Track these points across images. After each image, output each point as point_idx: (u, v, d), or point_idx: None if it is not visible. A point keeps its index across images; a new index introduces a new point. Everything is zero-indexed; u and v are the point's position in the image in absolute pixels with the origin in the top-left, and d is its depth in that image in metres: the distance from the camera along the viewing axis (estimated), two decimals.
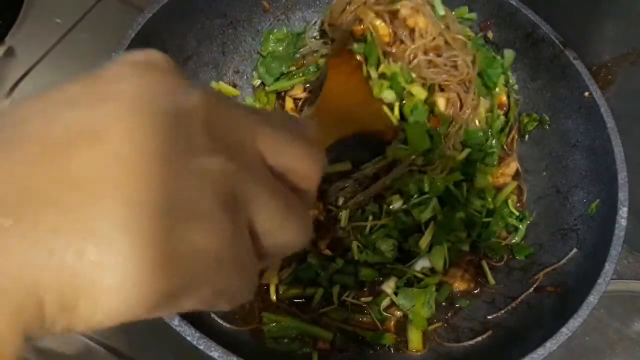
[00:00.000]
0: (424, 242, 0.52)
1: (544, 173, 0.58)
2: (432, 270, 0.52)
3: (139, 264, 0.18)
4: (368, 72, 0.53)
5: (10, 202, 0.17)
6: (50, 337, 0.18)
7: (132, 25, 0.50)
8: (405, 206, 0.53)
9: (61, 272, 0.17)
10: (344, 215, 0.53)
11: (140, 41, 0.50)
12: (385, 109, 0.52)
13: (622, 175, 0.48)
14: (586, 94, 0.52)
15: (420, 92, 0.53)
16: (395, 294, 0.52)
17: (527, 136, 0.59)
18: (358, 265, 0.52)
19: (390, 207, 0.53)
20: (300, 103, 0.59)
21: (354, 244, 0.52)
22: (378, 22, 0.54)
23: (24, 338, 0.17)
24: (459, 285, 0.53)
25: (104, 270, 0.17)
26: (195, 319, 0.41)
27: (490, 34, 0.60)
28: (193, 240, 0.19)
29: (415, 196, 0.53)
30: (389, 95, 0.53)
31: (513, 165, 0.58)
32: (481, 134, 0.56)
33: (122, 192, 0.18)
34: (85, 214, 0.17)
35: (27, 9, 0.68)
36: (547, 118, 0.58)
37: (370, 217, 0.53)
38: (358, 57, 0.53)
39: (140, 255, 0.18)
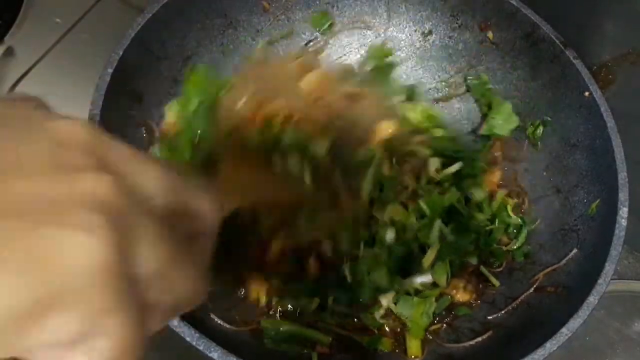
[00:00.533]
0: (427, 261, 0.51)
1: (544, 173, 0.57)
2: (434, 284, 0.52)
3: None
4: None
5: None
6: None
7: (131, 25, 0.50)
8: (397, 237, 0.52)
9: None
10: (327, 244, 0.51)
11: (139, 41, 0.50)
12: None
13: (622, 175, 0.48)
14: (586, 93, 0.52)
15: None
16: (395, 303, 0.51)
17: (539, 143, 0.59)
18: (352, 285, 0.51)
19: (385, 239, 0.52)
20: None
21: (346, 270, 0.51)
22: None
23: None
24: (461, 297, 0.53)
25: None
26: (194, 319, 0.41)
27: (490, 34, 0.60)
28: (62, 248, 0.18)
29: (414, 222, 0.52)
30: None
31: (497, 174, 0.59)
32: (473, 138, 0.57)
33: None
34: None
35: (26, 9, 0.67)
36: (548, 118, 0.57)
37: (362, 246, 0.51)
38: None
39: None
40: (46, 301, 0.17)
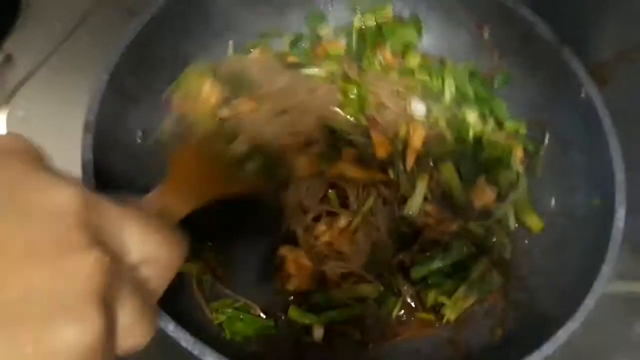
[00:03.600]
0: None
1: (541, 173, 0.57)
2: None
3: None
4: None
5: None
6: None
7: (126, 31, 0.51)
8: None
9: None
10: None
11: (135, 46, 0.51)
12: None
13: (620, 176, 0.48)
14: (583, 93, 0.52)
15: None
16: None
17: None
18: None
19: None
20: None
21: None
22: None
23: None
24: None
25: None
26: (190, 324, 0.41)
27: (486, 33, 0.59)
28: (63, 336, 0.20)
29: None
30: None
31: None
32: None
33: None
34: None
35: (24, 16, 0.68)
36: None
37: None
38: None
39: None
40: None
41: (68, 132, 0.61)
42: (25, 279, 0.20)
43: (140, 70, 0.53)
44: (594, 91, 0.51)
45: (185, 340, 0.40)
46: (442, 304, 0.52)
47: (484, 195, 0.55)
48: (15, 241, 0.20)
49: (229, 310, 0.49)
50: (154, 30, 0.52)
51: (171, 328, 0.40)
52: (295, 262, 0.52)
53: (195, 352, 0.40)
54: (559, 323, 0.43)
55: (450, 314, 0.51)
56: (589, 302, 0.43)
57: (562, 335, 0.42)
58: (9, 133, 0.25)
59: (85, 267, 0.21)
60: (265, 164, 0.49)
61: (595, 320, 0.53)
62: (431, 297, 0.51)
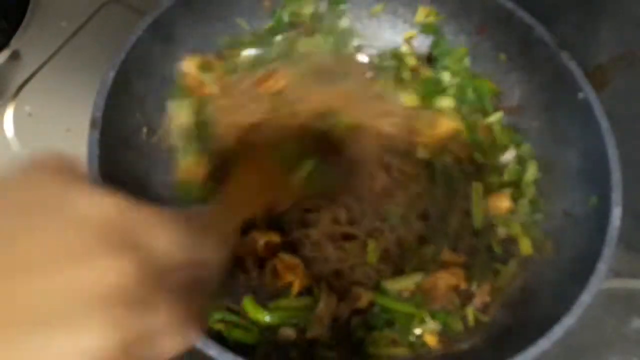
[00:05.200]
0: None
1: (539, 174, 0.58)
2: None
3: None
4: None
5: None
6: None
7: (133, 29, 0.51)
8: None
9: None
10: None
11: (141, 44, 0.51)
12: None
13: (616, 176, 0.49)
14: (581, 95, 0.53)
15: None
16: None
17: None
18: None
19: None
20: None
21: None
22: None
23: None
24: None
25: None
26: None
27: (486, 37, 0.60)
28: (88, 344, 0.20)
29: None
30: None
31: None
32: None
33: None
34: None
35: (32, 13, 0.69)
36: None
37: None
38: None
39: None
40: None
41: (74, 128, 0.62)
42: (48, 283, 0.20)
43: (147, 68, 0.53)
44: (592, 93, 0.52)
45: None
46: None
47: (502, 203, 0.56)
48: (44, 248, 0.20)
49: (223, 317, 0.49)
50: (161, 28, 0.53)
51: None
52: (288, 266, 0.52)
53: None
54: (555, 319, 0.43)
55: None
56: (586, 299, 0.44)
57: (558, 331, 0.43)
58: (46, 151, 0.25)
59: (111, 273, 0.21)
60: (316, 172, 0.50)
61: (592, 316, 0.54)
62: None
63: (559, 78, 0.55)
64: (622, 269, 0.57)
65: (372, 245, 0.54)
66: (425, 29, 0.63)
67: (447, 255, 0.54)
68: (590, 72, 0.54)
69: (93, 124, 0.47)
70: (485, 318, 0.51)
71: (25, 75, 0.65)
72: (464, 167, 0.59)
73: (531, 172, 0.57)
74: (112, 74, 0.49)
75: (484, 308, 0.52)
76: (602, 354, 0.56)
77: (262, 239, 0.52)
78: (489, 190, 0.58)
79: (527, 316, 0.49)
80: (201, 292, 0.27)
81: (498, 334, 0.49)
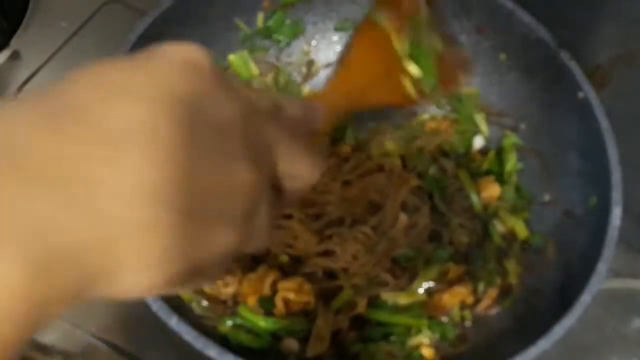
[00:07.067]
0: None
1: (539, 174, 0.58)
2: None
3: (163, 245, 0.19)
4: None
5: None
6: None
7: (133, 29, 0.51)
8: None
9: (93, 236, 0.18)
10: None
11: (141, 44, 0.51)
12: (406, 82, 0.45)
13: (616, 176, 0.49)
14: (581, 95, 0.53)
15: None
16: None
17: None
18: None
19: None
20: None
21: None
22: None
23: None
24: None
25: (128, 250, 0.18)
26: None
27: (486, 37, 0.60)
28: (215, 239, 0.21)
29: None
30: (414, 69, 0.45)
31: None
32: None
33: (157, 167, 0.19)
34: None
35: (32, 13, 0.69)
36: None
37: None
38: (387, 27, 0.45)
39: (166, 234, 0.19)
40: (202, 269, 0.22)
41: None
42: (191, 172, 0.20)
43: None
44: (592, 93, 0.52)
45: (188, 333, 0.41)
46: None
47: (491, 189, 0.57)
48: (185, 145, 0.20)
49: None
50: (161, 29, 0.53)
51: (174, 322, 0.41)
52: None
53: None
54: (555, 319, 0.43)
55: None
56: (586, 299, 0.44)
57: (558, 331, 0.43)
58: (191, 47, 0.25)
59: (242, 179, 0.22)
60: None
61: (592, 316, 0.54)
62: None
63: (559, 78, 0.55)
64: (622, 269, 0.57)
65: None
66: None
67: (452, 271, 0.54)
68: (590, 72, 0.54)
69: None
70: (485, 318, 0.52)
71: (25, 75, 0.65)
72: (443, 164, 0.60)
73: (511, 162, 0.58)
74: None
75: (486, 310, 0.52)
76: (602, 354, 0.56)
77: (269, 278, 0.51)
78: (475, 178, 0.59)
79: (527, 316, 0.49)
80: (290, 202, 0.29)
81: (498, 334, 0.49)
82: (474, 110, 0.61)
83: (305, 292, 0.50)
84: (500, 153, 0.60)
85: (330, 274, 0.53)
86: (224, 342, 0.46)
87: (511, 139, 0.59)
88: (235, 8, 0.60)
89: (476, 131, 0.61)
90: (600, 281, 0.45)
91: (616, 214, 0.47)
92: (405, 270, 0.54)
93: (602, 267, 0.45)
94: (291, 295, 0.49)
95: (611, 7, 0.55)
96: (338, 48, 0.65)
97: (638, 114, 0.58)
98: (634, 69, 0.56)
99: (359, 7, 0.62)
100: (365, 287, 0.52)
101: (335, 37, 0.65)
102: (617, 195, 0.48)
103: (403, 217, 0.56)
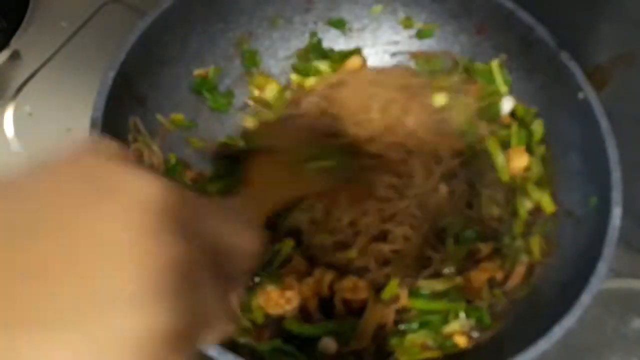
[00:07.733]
0: None
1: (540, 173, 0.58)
2: None
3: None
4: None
5: None
6: None
7: (133, 29, 0.51)
8: None
9: None
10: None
11: (141, 45, 0.51)
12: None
13: (616, 176, 0.49)
14: (581, 95, 0.53)
15: None
16: None
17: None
18: None
19: None
20: None
21: None
22: None
23: None
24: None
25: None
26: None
27: (486, 37, 0.60)
28: (122, 324, 0.19)
29: None
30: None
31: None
32: None
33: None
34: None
35: (32, 13, 0.69)
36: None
37: None
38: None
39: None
40: None
41: (74, 128, 0.62)
42: (92, 266, 0.19)
43: (147, 68, 0.53)
44: (592, 93, 0.52)
45: None
46: None
47: (520, 159, 0.57)
48: (88, 232, 0.20)
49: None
50: (162, 28, 0.53)
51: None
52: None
53: None
54: (555, 319, 0.43)
55: None
56: (586, 299, 0.44)
57: (558, 331, 0.43)
58: (101, 141, 0.24)
59: (161, 253, 0.20)
60: (335, 164, 0.51)
61: (592, 316, 0.54)
62: None
63: (559, 78, 0.55)
64: (622, 269, 0.57)
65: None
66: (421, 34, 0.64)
67: (481, 250, 0.55)
68: (590, 72, 0.54)
69: (93, 124, 0.47)
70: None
71: (25, 75, 0.65)
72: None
73: (538, 131, 0.58)
74: (112, 74, 0.49)
75: (514, 290, 0.52)
76: (602, 354, 0.56)
77: (327, 278, 0.52)
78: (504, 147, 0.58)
79: (527, 316, 0.49)
80: (239, 282, 0.28)
81: (498, 334, 0.49)
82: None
83: (361, 289, 0.51)
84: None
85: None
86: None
87: (530, 110, 0.59)
88: (234, 9, 0.60)
89: (502, 93, 0.60)
90: (600, 281, 0.45)
91: (616, 214, 0.47)
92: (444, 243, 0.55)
93: (602, 267, 0.45)
94: (348, 295, 0.51)
95: (611, 8, 0.55)
96: None
97: (638, 114, 0.58)
98: (634, 69, 0.56)
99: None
100: (412, 268, 0.53)
101: None
102: (617, 195, 0.48)
103: (443, 187, 0.57)
